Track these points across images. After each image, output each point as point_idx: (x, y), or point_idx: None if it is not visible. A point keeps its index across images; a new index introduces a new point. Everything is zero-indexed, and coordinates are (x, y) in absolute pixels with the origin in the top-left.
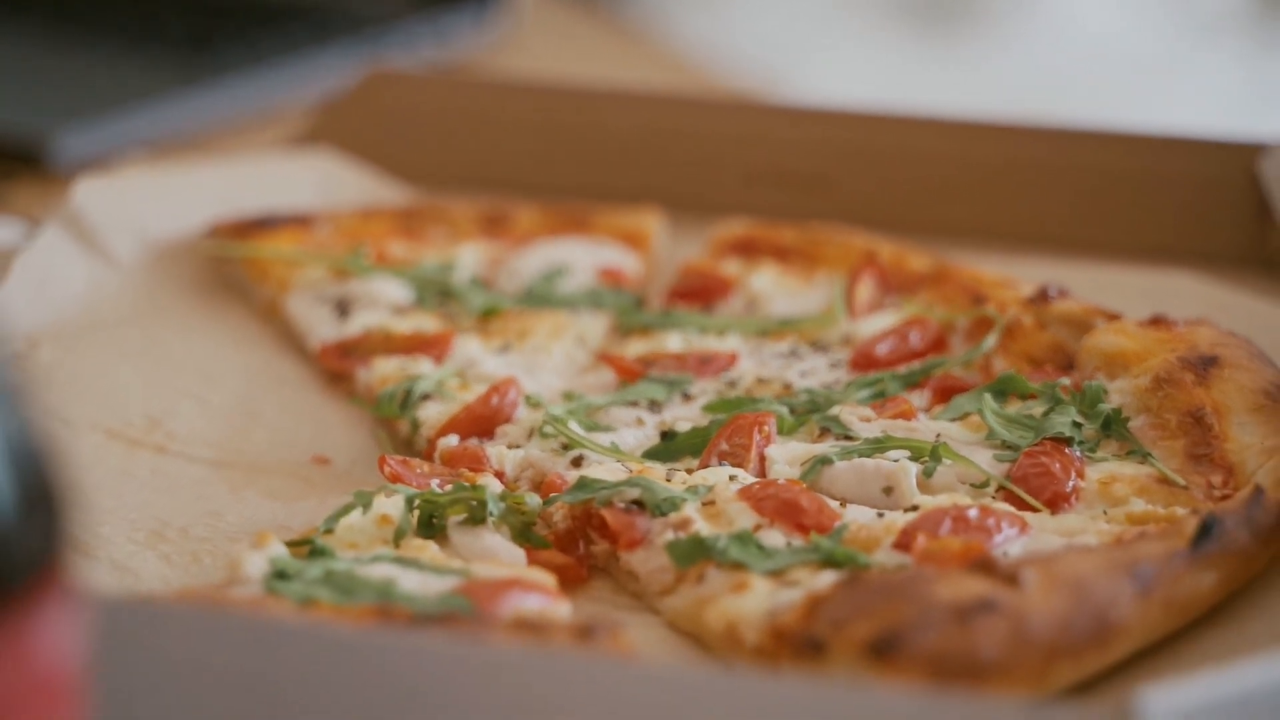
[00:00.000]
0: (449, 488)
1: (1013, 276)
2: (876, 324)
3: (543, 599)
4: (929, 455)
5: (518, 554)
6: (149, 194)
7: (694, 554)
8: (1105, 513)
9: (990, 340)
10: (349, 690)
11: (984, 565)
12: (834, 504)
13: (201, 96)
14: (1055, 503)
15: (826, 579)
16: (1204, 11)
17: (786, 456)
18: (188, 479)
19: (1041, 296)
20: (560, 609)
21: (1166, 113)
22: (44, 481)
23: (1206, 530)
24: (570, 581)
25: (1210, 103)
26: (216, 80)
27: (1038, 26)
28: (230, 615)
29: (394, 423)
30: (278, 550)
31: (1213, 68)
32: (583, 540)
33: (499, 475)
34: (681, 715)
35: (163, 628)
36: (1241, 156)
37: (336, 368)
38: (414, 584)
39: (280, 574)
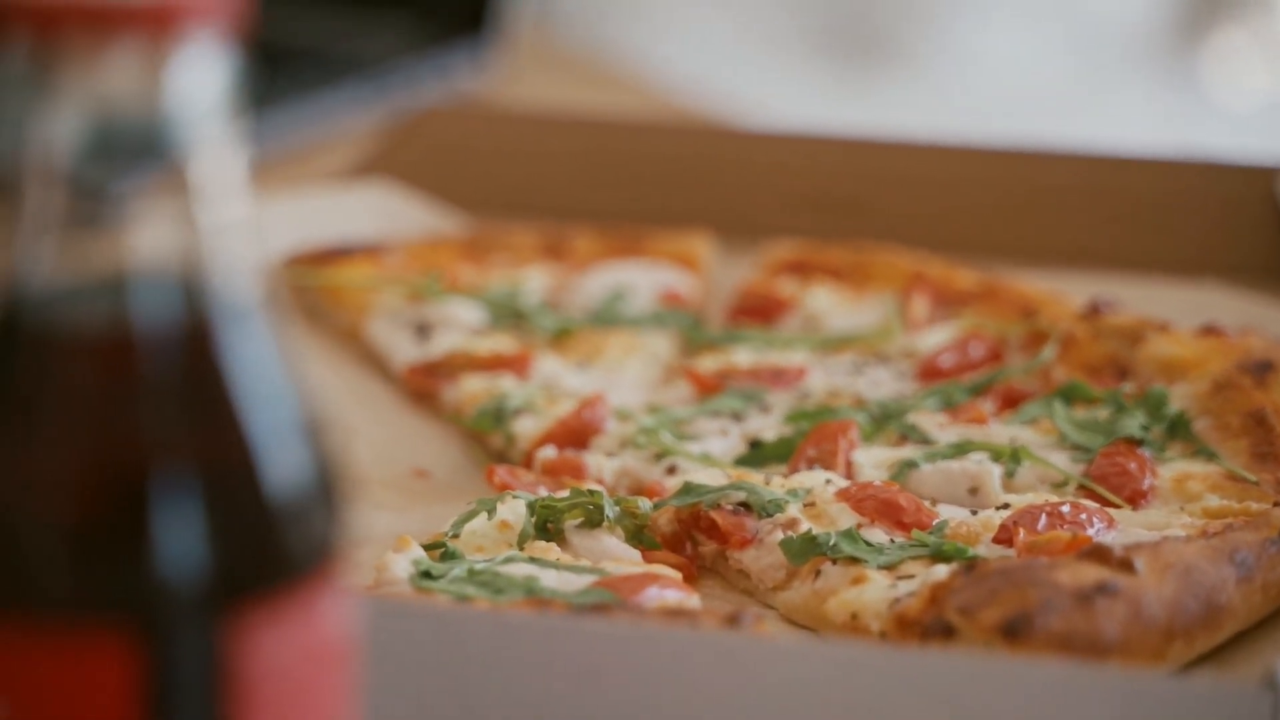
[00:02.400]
0: (563, 493)
1: (1059, 292)
2: (934, 337)
3: (678, 592)
4: (1009, 457)
5: (634, 554)
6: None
7: (807, 550)
8: (1182, 508)
9: (1049, 351)
10: (524, 672)
11: (1097, 553)
12: (926, 504)
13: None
14: (1134, 499)
15: (940, 571)
16: (1119, 38)
17: (872, 461)
18: None
19: (1093, 309)
20: (694, 601)
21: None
22: (331, 471)
23: None
24: (685, 580)
25: (1130, 128)
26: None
27: (954, 58)
28: (417, 604)
29: (486, 437)
30: (418, 553)
31: (1130, 93)
32: (689, 542)
33: (599, 483)
34: (836, 687)
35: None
36: (1263, 178)
37: (423, 386)
38: (554, 581)
39: (425, 574)
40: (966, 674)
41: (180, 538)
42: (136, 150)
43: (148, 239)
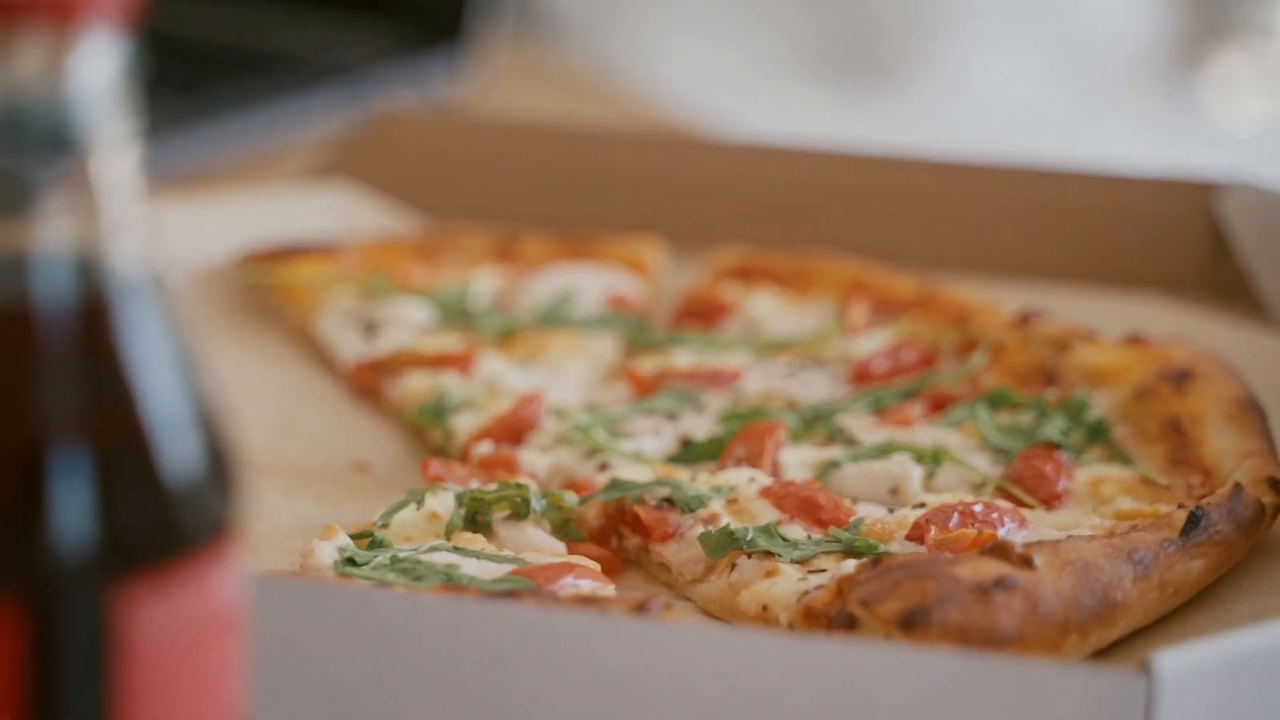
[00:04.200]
0: (492, 486)
1: (994, 301)
2: (870, 343)
3: (593, 582)
4: (931, 458)
5: (559, 546)
6: (181, 224)
7: (724, 545)
8: (1095, 510)
9: (978, 357)
10: (436, 653)
11: (998, 549)
12: (846, 502)
13: (191, 138)
14: (1049, 501)
15: (850, 565)
16: (1117, 62)
17: (798, 461)
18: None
19: (1023, 318)
20: (609, 590)
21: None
22: (224, 448)
23: (1195, 521)
24: (607, 572)
25: (1127, 150)
26: (205, 123)
27: (952, 80)
28: (350, 589)
29: (427, 432)
30: (344, 540)
31: (1128, 116)
32: (614, 535)
33: (532, 478)
34: (736, 673)
35: (270, 597)
36: (1199, 194)
37: (368, 383)
38: (474, 569)
39: (349, 560)
40: (856, 661)
41: (71, 510)
42: (40, 138)
43: (49, 224)
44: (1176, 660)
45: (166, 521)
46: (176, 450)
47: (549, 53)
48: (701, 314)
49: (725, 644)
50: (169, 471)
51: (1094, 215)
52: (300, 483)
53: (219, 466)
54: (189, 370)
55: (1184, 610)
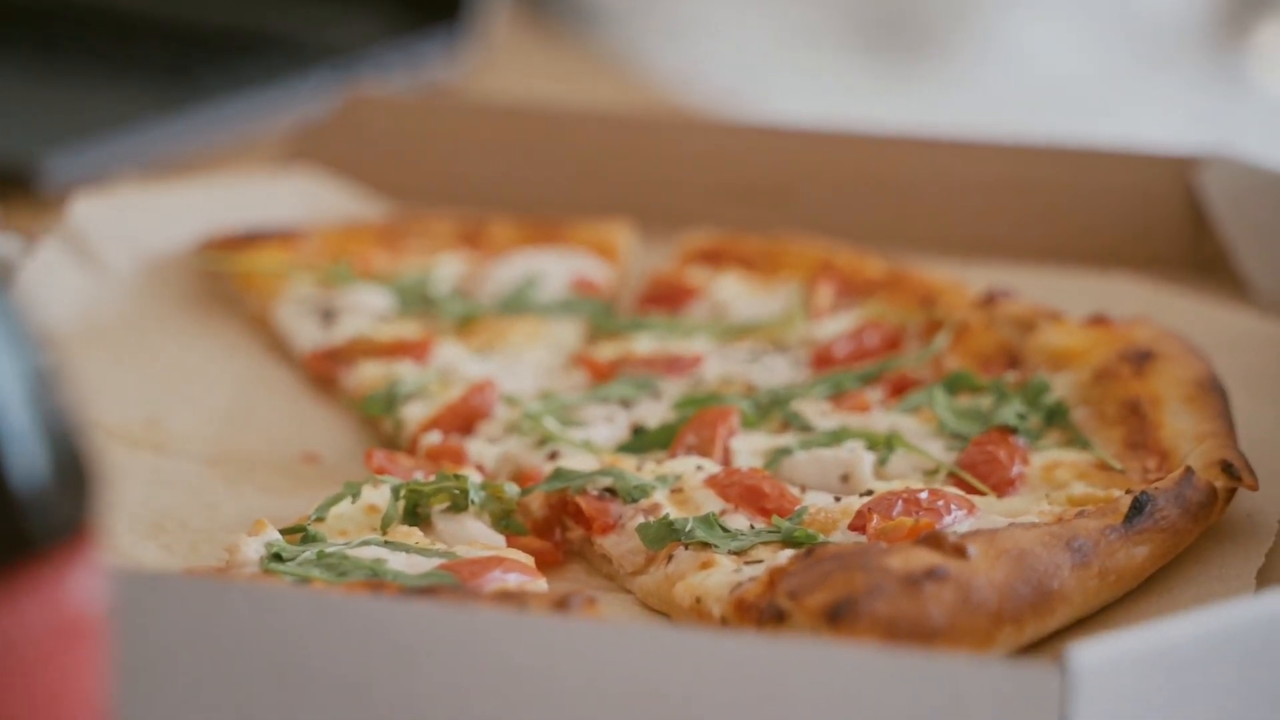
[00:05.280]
0: (433, 478)
1: (963, 281)
2: (834, 326)
3: (522, 576)
4: (883, 444)
5: (498, 539)
6: (142, 210)
7: (663, 536)
8: (1048, 496)
9: (941, 340)
10: (342, 652)
11: (932, 539)
12: (795, 490)
13: (185, 121)
14: (1001, 487)
15: (785, 556)
16: (1157, 36)
17: (750, 448)
18: (185, 476)
19: (989, 298)
20: (539, 585)
21: (1121, 135)
22: (77, 454)
23: (1139, 507)
24: (547, 565)
25: (1164, 126)
26: (198, 106)
27: (992, 53)
28: (232, 584)
29: (379, 422)
30: (273, 536)
31: (1167, 91)
32: (558, 527)
33: (480, 469)
34: (651, 672)
35: (170, 596)
36: (1178, 169)
37: (323, 372)
38: (401, 563)
39: (276, 556)
40: (769, 660)
41: None
42: None
43: None
44: (1093, 654)
45: (14, 524)
46: (19, 455)
47: (565, 34)
48: (667, 298)
49: (639, 643)
50: (15, 474)
51: (1072, 192)
52: (245, 474)
53: (72, 470)
54: (37, 373)
55: (1130, 598)
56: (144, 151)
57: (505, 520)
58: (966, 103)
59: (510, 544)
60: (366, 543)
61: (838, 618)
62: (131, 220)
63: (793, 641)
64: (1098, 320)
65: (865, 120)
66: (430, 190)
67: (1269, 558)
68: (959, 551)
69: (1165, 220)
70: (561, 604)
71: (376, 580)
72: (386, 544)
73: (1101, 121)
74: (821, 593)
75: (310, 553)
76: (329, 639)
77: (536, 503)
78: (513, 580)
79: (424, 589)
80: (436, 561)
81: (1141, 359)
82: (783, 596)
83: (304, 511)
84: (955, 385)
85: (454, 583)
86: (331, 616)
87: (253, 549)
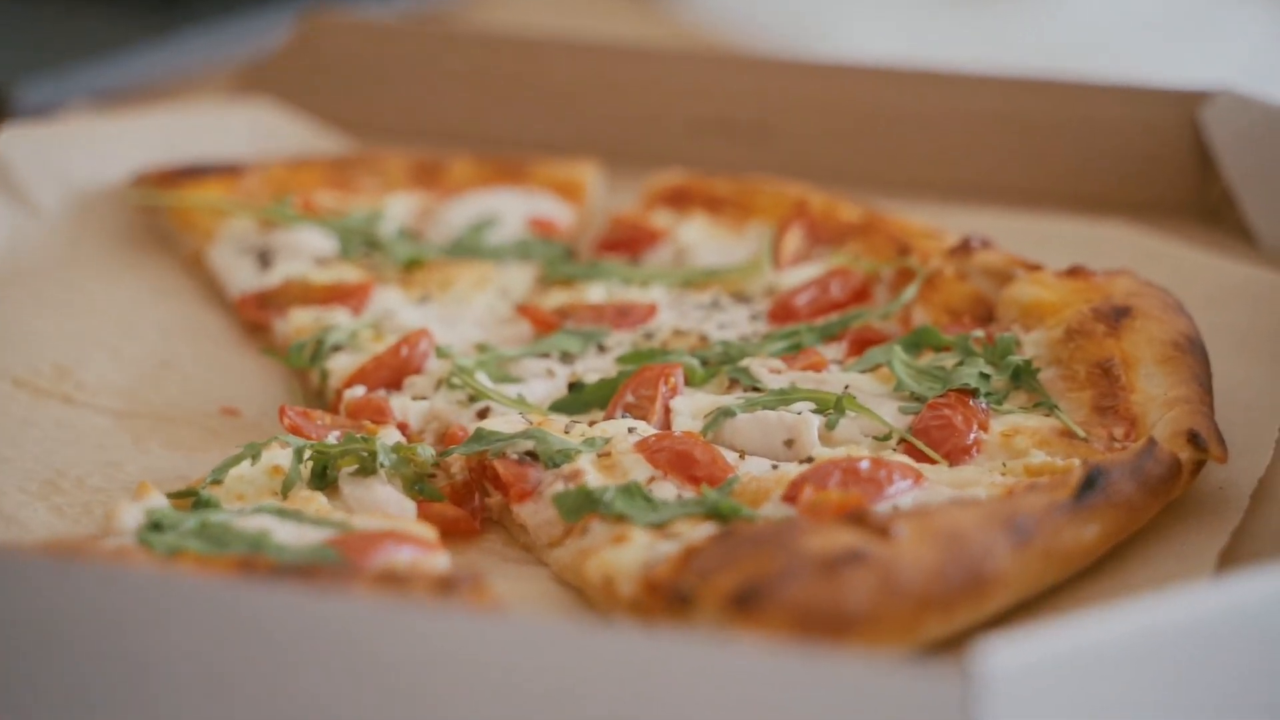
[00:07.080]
0: (344, 439)
1: (941, 227)
2: (800, 275)
3: (417, 551)
4: (833, 407)
5: (409, 506)
6: (77, 143)
7: (581, 506)
8: (1005, 465)
9: (909, 293)
10: (200, 638)
11: (857, 517)
12: (733, 456)
13: (162, 48)
14: (955, 455)
15: (706, 531)
16: None
17: (692, 409)
18: (92, 429)
19: (963, 247)
20: (436, 561)
21: (1196, 75)
22: None
23: (1090, 482)
24: (463, 534)
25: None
26: (178, 32)
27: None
28: (77, 565)
29: (306, 374)
30: (157, 501)
31: (1244, 29)
32: (479, 492)
33: (402, 427)
34: (524, 666)
35: (9, 577)
36: (1184, 105)
37: (254, 319)
38: (290, 536)
39: (155, 525)
40: (657, 658)
41: None
42: None
43: None
44: (1005, 655)
45: None
46: None
47: None
48: (628, 242)
49: (512, 637)
50: None
51: (1071, 130)
52: (156, 429)
53: None
54: None
55: (1082, 578)
56: (121, 77)
57: (419, 485)
58: (1044, 41)
59: (422, 511)
60: (261, 509)
61: (746, 603)
62: (64, 153)
63: (679, 638)
64: (1075, 272)
65: (847, 53)
66: (392, 124)
67: (1236, 537)
68: (884, 531)
69: (1169, 161)
70: (447, 586)
71: (253, 556)
72: (279, 513)
73: (1180, 60)
74: (730, 574)
75: (192, 522)
76: (181, 626)
77: (456, 466)
78: (405, 556)
79: (301, 568)
80: (327, 533)
81: (1118, 316)
82: (691, 577)
83: (212, 469)
84: (918, 341)
85: (337, 560)
86: (181, 602)
87: (131, 516)
